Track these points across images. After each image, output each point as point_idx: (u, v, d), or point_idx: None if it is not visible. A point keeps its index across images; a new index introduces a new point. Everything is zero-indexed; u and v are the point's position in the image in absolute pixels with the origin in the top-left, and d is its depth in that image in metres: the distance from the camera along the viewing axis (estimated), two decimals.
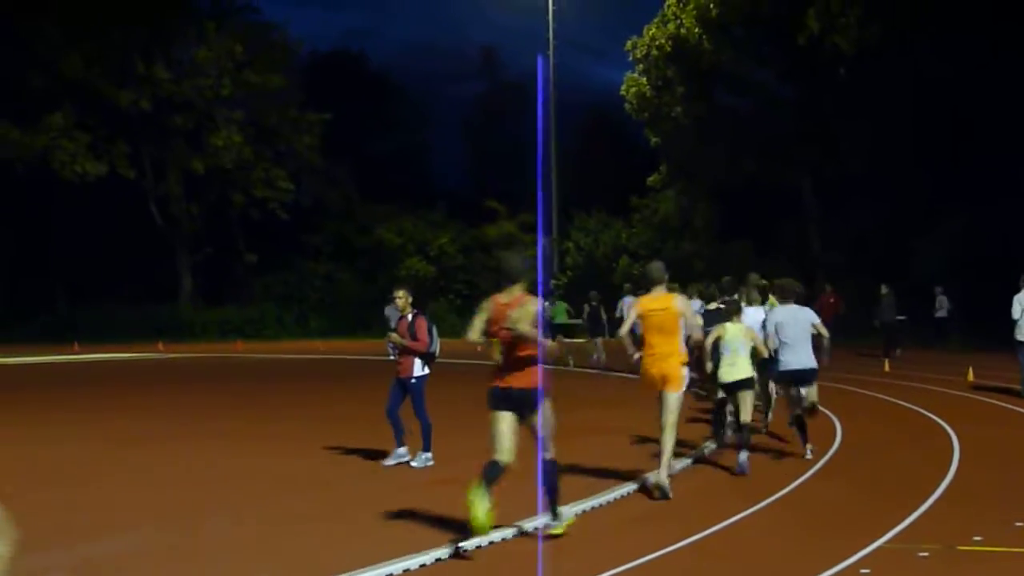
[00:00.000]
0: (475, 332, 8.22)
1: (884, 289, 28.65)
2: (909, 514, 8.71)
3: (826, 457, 11.87)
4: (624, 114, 47.32)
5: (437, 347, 11.83)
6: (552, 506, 8.30)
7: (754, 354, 11.52)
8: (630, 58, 44.68)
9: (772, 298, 13.19)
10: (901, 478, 10.65)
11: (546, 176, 47.79)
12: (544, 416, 8.04)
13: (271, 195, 53.85)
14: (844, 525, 8.53)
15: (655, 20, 43.22)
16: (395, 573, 7.26)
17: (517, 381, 8.03)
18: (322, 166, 55.73)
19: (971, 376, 20.57)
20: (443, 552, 7.70)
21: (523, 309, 7.98)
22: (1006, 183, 33.66)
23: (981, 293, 33.19)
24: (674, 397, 9.78)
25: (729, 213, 45.45)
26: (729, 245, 43.02)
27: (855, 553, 7.46)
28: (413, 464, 11.72)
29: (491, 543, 8.00)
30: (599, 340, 26.36)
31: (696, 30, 40.55)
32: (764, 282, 14.16)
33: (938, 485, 10.00)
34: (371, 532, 8.64)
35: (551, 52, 47.24)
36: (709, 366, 11.82)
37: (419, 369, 11.71)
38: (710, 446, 12.37)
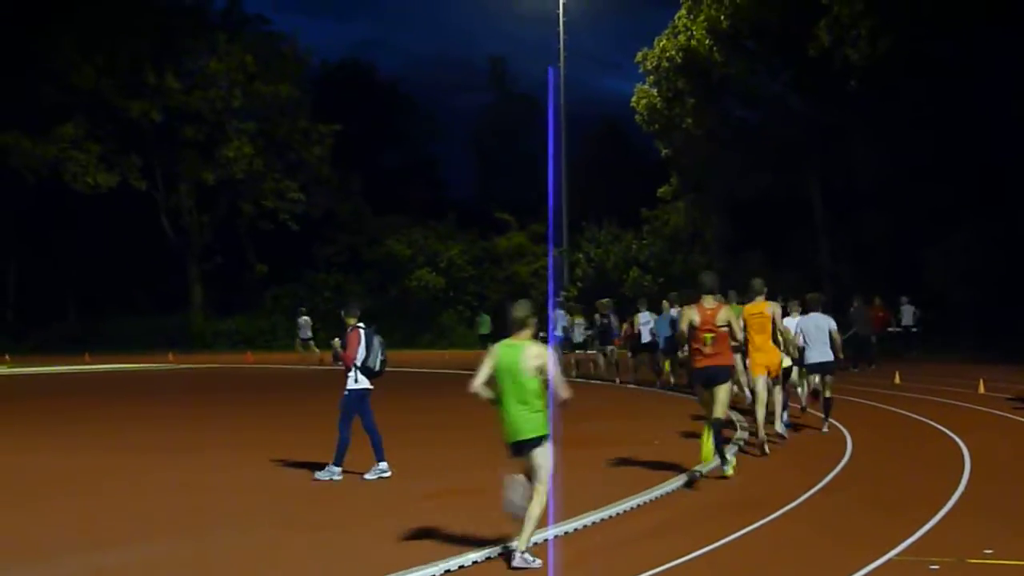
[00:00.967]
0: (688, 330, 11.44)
1: (856, 302, 28.94)
2: (920, 527, 8.67)
3: (836, 469, 11.81)
4: (634, 125, 47.16)
5: (376, 361, 11.71)
6: (721, 454, 11.35)
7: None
8: (640, 69, 44.63)
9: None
10: (912, 490, 10.62)
11: (556, 187, 47.78)
12: (724, 391, 11.24)
13: (281, 206, 54.03)
14: (855, 537, 8.52)
15: (666, 31, 43.21)
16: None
17: (711, 362, 11.17)
18: (332, 177, 55.86)
19: (982, 388, 20.46)
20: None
21: (724, 312, 11.30)
22: (1017, 193, 33.64)
23: (990, 304, 33.22)
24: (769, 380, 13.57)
25: (739, 224, 45.41)
26: (739, 256, 42.93)
27: (866, 566, 7.44)
28: (318, 476, 11.69)
29: (506, 549, 8.02)
30: (611, 350, 26.04)
31: (707, 41, 40.55)
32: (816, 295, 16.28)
33: (949, 498, 9.94)
34: (385, 541, 8.65)
35: (561, 63, 47.30)
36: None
37: (351, 382, 11.71)
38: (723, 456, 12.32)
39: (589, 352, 28.35)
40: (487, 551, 8.00)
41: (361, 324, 11.85)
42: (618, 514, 9.58)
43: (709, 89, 42.25)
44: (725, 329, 11.21)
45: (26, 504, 10.97)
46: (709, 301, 11.30)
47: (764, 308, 13.40)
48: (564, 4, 43.25)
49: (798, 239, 42.62)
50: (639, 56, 44.36)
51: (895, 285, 33.06)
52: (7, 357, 42.05)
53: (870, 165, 39.02)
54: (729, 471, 11.22)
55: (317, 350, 36.61)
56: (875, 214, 39.22)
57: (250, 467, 12.83)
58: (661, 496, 10.38)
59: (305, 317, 37.57)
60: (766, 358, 13.37)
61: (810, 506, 9.90)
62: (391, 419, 16.98)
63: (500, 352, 7.87)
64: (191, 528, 9.46)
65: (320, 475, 11.70)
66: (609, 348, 26.04)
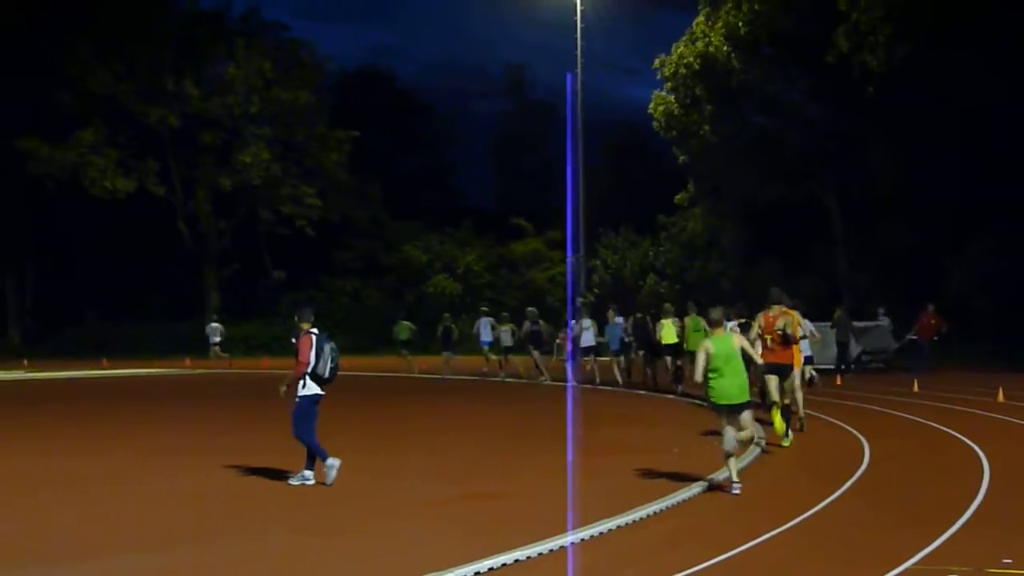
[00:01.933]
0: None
1: (838, 312, 29.56)
2: (938, 536, 8.65)
3: (854, 477, 11.79)
4: (652, 132, 46.93)
5: (326, 368, 11.58)
6: (787, 428, 14.35)
7: None
8: (658, 76, 44.44)
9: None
10: (930, 499, 10.61)
11: (574, 193, 47.71)
12: (791, 380, 14.92)
13: (298, 212, 54.09)
14: (871, 547, 8.52)
15: (683, 38, 43.06)
16: None
17: (774, 358, 14.19)
18: (350, 183, 55.93)
19: (1001, 396, 20.36)
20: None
21: (781, 319, 14.30)
22: None
23: (1011, 312, 33.07)
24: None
25: (757, 232, 45.31)
26: (757, 265, 42.84)
27: (883, 575, 7.44)
28: (291, 482, 11.67)
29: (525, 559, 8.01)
30: (537, 353, 28.40)
31: (724, 48, 40.41)
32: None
33: (967, 507, 9.92)
34: (400, 544, 8.68)
35: (579, 69, 47.19)
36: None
37: (301, 388, 11.63)
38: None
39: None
40: (502, 557, 8.00)
41: (314, 330, 11.74)
42: (635, 521, 9.58)
43: (727, 96, 42.11)
44: (781, 332, 14.25)
45: (35, 506, 11.01)
46: (774, 310, 14.47)
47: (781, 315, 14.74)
48: (582, 11, 43.12)
49: (816, 247, 42.52)
50: (657, 62, 44.22)
51: (914, 294, 32.94)
52: (25, 362, 42.22)
53: (889, 172, 38.86)
54: (786, 443, 14.29)
55: (226, 355, 39.48)
56: (894, 222, 39.06)
57: (260, 472, 12.77)
58: (678, 503, 10.39)
59: (215, 324, 40.25)
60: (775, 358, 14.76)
61: (827, 514, 9.88)
62: (394, 425, 17.03)
63: (714, 344, 11.03)
64: (203, 535, 9.49)
65: (293, 480, 11.67)
66: (538, 352, 28.61)
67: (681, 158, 45.73)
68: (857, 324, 30.65)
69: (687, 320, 22.72)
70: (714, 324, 11.45)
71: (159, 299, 56.54)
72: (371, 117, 58.95)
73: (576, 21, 43.17)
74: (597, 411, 19.98)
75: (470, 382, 29.67)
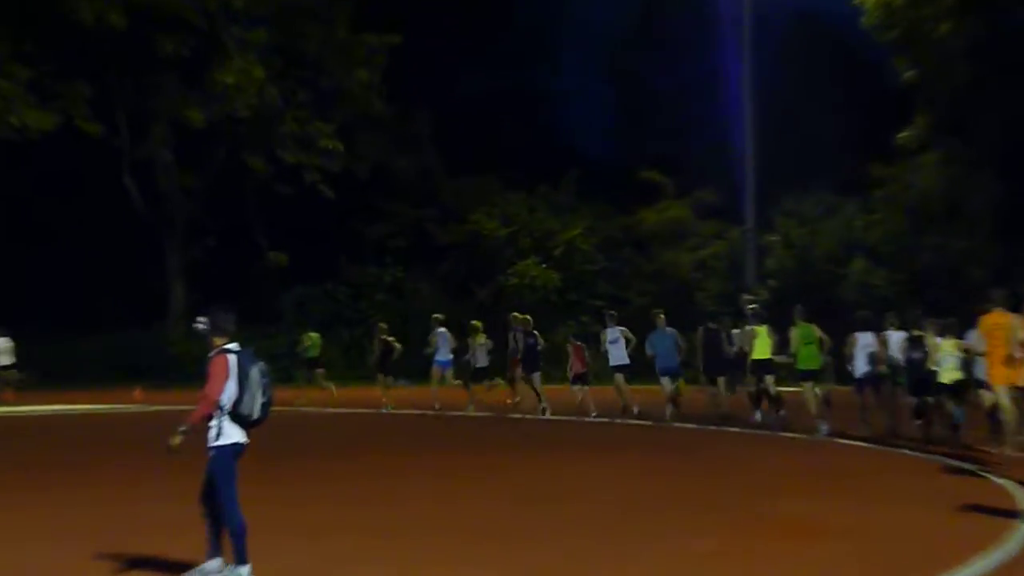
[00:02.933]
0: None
1: None
2: None
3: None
4: (861, 34, 48.14)
5: (253, 404, 10.71)
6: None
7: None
8: None
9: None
10: None
11: (740, 133, 47.20)
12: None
13: (308, 160, 54.05)
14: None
15: None
16: None
17: None
18: (388, 118, 56.15)
19: None
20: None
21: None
22: None
23: None
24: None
25: (1022, 192, 44.52)
26: (1021, 243, 41.81)
27: None
28: None
29: None
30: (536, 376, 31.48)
31: None
32: None
33: None
34: None
35: None
36: None
37: (213, 435, 10.66)
38: None
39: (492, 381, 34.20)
40: None
41: (232, 346, 10.88)
42: None
43: None
44: None
45: None
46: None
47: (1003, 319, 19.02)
48: None
49: None
50: None
51: None
52: None
53: None
54: None
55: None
56: None
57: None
58: None
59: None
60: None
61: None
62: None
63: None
64: None
65: None
66: (535, 375, 31.54)
67: (906, 74, 46.04)
68: None
69: (794, 331, 25.25)
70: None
71: (95, 299, 56.32)
72: (419, 15, 58.26)
73: None
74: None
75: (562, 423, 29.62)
